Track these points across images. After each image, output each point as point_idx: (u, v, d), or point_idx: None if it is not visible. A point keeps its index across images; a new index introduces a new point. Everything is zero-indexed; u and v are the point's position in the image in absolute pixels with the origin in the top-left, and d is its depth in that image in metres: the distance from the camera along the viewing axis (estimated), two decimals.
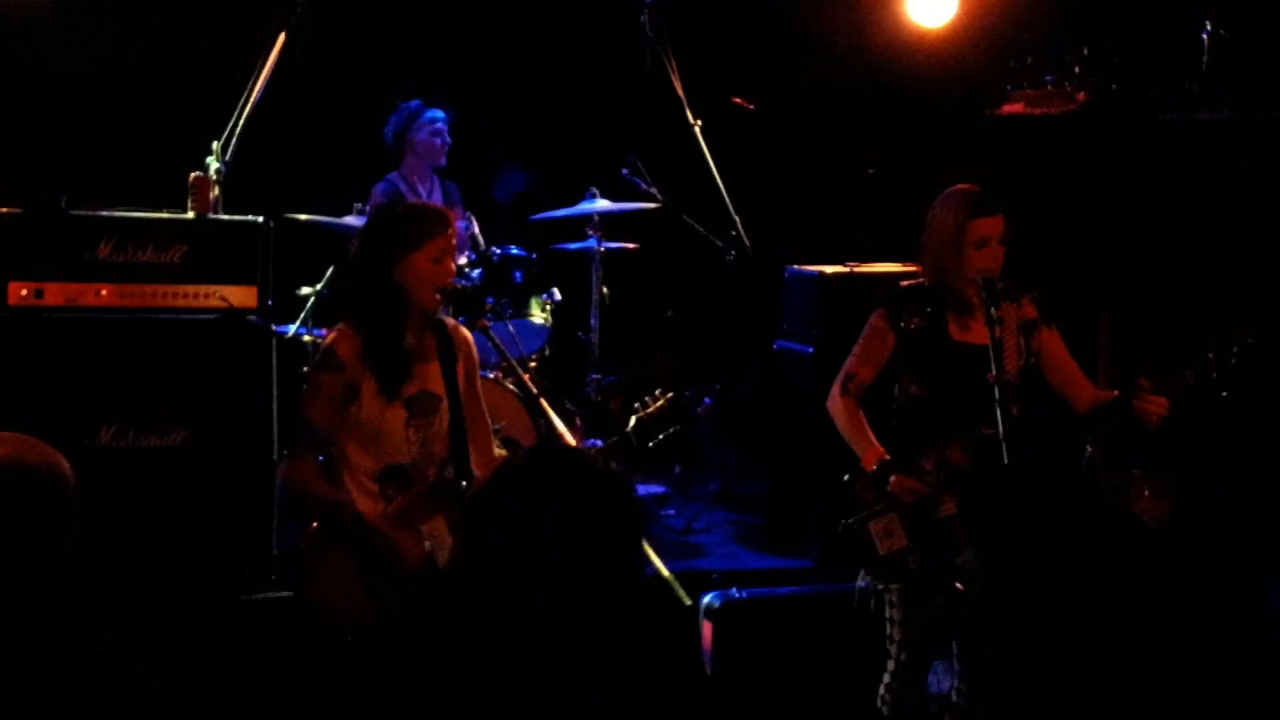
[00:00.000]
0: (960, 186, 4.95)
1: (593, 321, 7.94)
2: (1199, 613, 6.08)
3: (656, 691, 5.87)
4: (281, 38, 6.60)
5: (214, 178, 6.19)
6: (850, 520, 4.94)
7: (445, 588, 2.48)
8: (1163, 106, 7.50)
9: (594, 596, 2.17)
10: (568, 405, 7.54)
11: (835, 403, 5.00)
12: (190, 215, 6.04)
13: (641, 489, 7.64)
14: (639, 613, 2.23)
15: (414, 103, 7.74)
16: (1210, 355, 4.77)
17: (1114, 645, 5.96)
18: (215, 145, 6.30)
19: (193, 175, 6.11)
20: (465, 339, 4.83)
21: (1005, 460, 4.60)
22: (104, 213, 5.92)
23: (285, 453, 4.78)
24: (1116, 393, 4.89)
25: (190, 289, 5.93)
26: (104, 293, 5.83)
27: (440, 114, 7.73)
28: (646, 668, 2.27)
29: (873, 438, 4.93)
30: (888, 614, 4.98)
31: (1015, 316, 4.94)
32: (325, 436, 4.59)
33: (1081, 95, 7.67)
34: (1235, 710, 5.79)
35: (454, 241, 4.66)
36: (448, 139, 7.73)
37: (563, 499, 2.19)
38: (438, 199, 7.68)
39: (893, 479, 4.84)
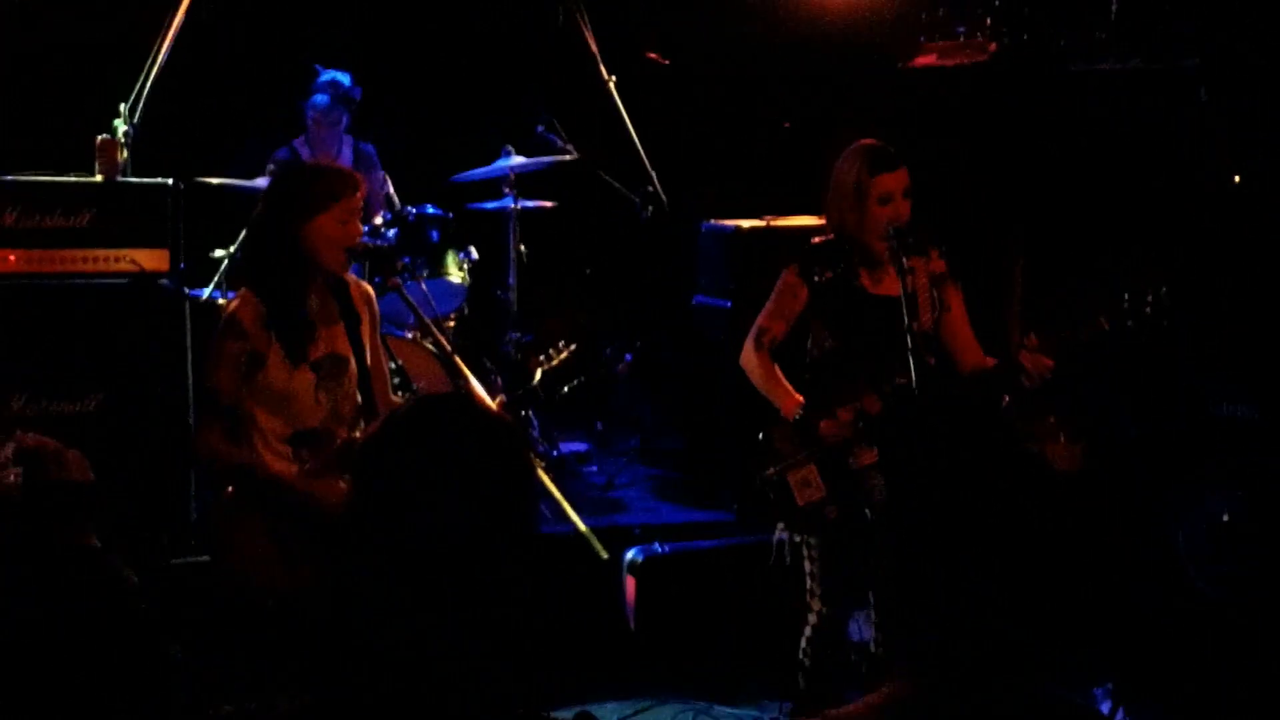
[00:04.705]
0: (862, 142, 4.93)
1: (510, 280, 7.90)
2: (1111, 553, 6.17)
3: (579, 645, 5.90)
4: None
5: (122, 140, 6.11)
6: (768, 472, 4.95)
7: (337, 537, 2.49)
8: (1072, 57, 7.56)
9: (475, 544, 2.16)
10: (486, 364, 7.52)
11: (749, 357, 5.00)
12: (98, 178, 5.96)
13: (564, 446, 7.69)
14: (526, 564, 2.23)
15: (320, 76, 7.51)
16: (1125, 301, 4.83)
17: (1026, 587, 6.03)
18: (123, 107, 6.22)
19: (100, 138, 6.03)
20: (367, 294, 4.76)
21: (920, 407, 4.65)
22: (9, 177, 5.84)
23: (194, 425, 4.73)
24: (996, 361, 4.94)
25: (100, 254, 5.87)
26: (11, 259, 5.76)
27: (323, 100, 7.45)
28: (532, 619, 2.27)
29: (790, 388, 4.94)
30: (806, 567, 5.00)
31: (925, 269, 4.96)
32: (230, 404, 4.51)
33: (993, 46, 7.71)
34: (1149, 648, 5.88)
35: (361, 203, 4.61)
36: (326, 123, 7.46)
37: (445, 444, 2.19)
38: (347, 162, 7.58)
39: (823, 424, 4.87)
